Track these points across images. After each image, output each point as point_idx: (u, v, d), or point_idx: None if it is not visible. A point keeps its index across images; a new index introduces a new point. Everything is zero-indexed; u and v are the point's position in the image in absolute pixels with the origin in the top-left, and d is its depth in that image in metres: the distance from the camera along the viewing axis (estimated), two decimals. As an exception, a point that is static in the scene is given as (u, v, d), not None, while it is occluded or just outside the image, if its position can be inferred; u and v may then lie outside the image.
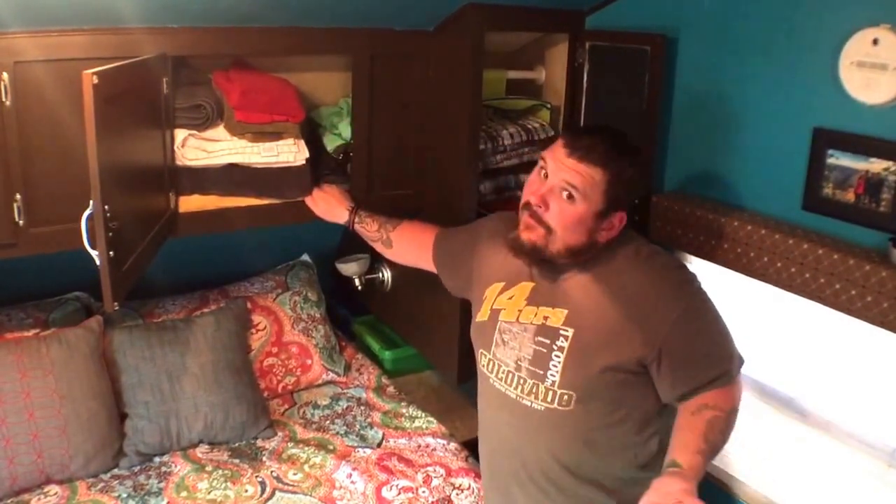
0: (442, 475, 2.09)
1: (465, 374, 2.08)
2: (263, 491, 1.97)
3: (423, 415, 2.37)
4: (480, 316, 1.64)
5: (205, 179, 1.92)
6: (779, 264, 1.78)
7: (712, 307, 1.51)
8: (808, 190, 1.78)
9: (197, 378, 2.16)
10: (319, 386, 2.52)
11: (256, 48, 1.92)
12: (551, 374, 1.48)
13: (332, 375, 2.55)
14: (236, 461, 2.09)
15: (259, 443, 2.19)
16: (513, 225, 1.55)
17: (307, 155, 1.97)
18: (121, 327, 2.22)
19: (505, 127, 2.25)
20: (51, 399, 1.96)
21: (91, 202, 1.36)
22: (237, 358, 2.29)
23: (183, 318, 2.33)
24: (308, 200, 2.03)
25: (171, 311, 2.42)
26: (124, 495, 1.92)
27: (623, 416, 1.50)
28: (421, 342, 2.54)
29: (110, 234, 1.39)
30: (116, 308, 1.45)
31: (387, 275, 2.46)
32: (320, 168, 2.08)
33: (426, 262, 1.89)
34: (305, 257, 2.80)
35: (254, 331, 2.47)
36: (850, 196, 1.70)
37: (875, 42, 1.58)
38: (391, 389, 2.53)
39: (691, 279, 1.52)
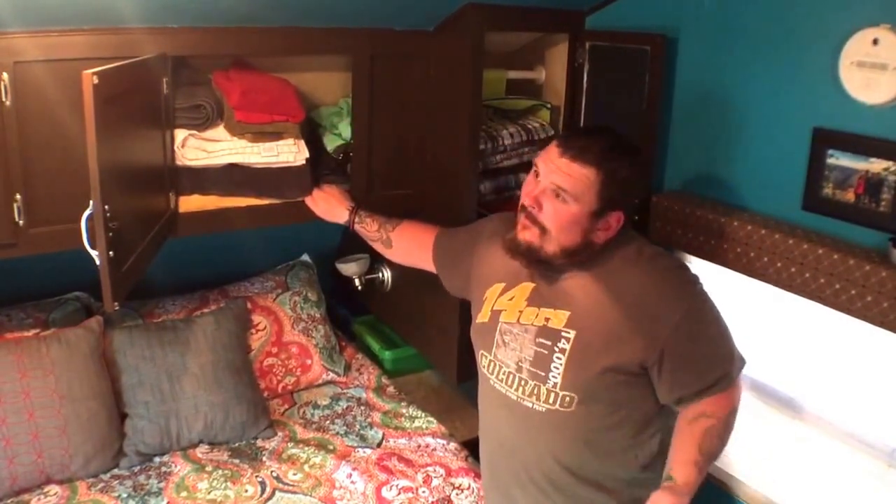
0: (442, 475, 2.09)
1: (465, 373, 2.08)
2: (263, 491, 1.97)
3: (423, 415, 2.37)
4: (481, 317, 1.64)
5: (205, 179, 1.92)
6: (779, 264, 1.78)
7: (714, 309, 1.51)
8: (808, 190, 1.78)
9: (197, 378, 2.16)
10: (319, 386, 2.52)
11: (256, 48, 1.92)
12: (553, 376, 1.48)
13: (332, 375, 2.55)
14: (236, 461, 2.09)
15: (259, 443, 2.19)
16: (512, 226, 1.55)
17: (307, 155, 1.97)
18: (121, 327, 2.22)
19: (505, 127, 2.25)
20: (51, 399, 1.96)
21: (91, 202, 1.36)
22: (237, 358, 2.29)
23: (183, 318, 2.33)
24: (308, 200, 2.03)
25: (171, 311, 2.42)
26: (124, 495, 1.92)
27: (624, 417, 1.50)
28: (421, 342, 2.54)
29: (110, 234, 1.39)
30: (116, 308, 1.45)
31: (387, 275, 2.46)
32: (320, 168, 2.08)
33: (426, 263, 1.89)
34: (305, 257, 2.80)
35: (254, 331, 2.47)
36: (850, 196, 1.70)
37: (875, 42, 1.58)
38: (391, 389, 2.53)
39: (694, 281, 1.51)
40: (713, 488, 2.11)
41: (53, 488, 1.94)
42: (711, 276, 2.07)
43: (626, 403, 1.49)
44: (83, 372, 2.03)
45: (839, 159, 1.70)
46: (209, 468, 2.05)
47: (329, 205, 2.03)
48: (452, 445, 2.22)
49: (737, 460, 2.17)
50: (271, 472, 2.05)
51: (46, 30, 1.60)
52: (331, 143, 2.11)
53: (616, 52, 2.15)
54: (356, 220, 1.99)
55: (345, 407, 2.41)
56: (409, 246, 1.93)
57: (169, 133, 1.84)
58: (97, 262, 1.40)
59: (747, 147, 1.93)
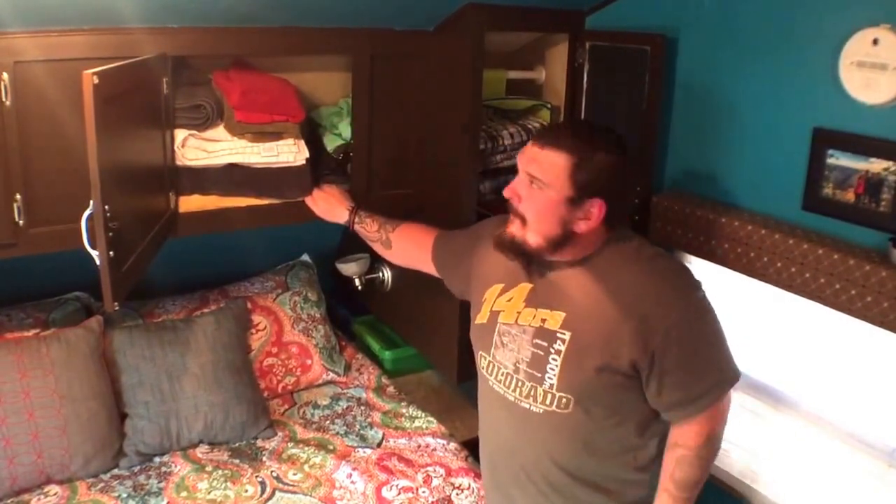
0: (442, 475, 2.09)
1: (465, 373, 2.08)
2: (263, 491, 1.97)
3: (423, 415, 2.37)
4: (480, 318, 1.63)
5: (205, 179, 1.92)
6: (779, 264, 1.78)
7: (712, 318, 1.47)
8: (808, 190, 1.78)
9: (197, 378, 2.16)
10: (319, 386, 2.52)
11: (256, 48, 1.92)
12: (549, 377, 1.47)
13: (332, 375, 2.55)
14: (236, 461, 2.09)
15: (259, 443, 2.19)
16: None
17: (307, 155, 1.97)
18: (121, 327, 2.22)
19: (505, 127, 2.25)
20: (51, 399, 1.96)
21: (91, 202, 1.36)
22: (237, 358, 2.29)
23: (183, 318, 2.33)
24: (308, 200, 2.03)
25: (171, 311, 2.42)
26: (124, 495, 1.92)
27: (622, 419, 1.49)
28: (421, 342, 2.54)
29: (110, 234, 1.39)
30: (116, 308, 1.45)
31: (387, 275, 2.46)
32: (320, 168, 2.08)
33: (425, 264, 1.89)
34: (305, 257, 2.80)
35: (254, 331, 2.47)
36: (850, 196, 1.70)
37: (875, 42, 1.58)
38: (391, 389, 2.53)
39: (695, 286, 1.48)
40: (714, 488, 2.11)
41: (53, 488, 1.94)
42: (711, 276, 2.07)
43: (623, 405, 1.48)
44: (83, 372, 2.03)
45: (839, 159, 1.70)
46: (209, 468, 2.05)
47: (329, 205, 2.03)
48: (452, 445, 2.22)
49: (737, 460, 2.17)
50: (271, 472, 2.05)
51: (46, 30, 1.60)
52: (331, 143, 2.11)
53: (616, 52, 2.15)
54: (356, 220, 1.99)
55: (345, 407, 2.41)
56: (409, 247, 1.93)
57: (169, 133, 1.84)
58: (97, 262, 1.40)
59: (747, 147, 1.93)
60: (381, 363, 2.73)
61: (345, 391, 2.50)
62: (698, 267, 2.11)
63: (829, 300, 1.70)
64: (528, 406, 1.51)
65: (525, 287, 1.56)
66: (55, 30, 1.61)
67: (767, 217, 1.87)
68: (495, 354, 1.58)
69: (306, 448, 2.16)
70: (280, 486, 2.00)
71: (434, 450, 2.20)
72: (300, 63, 2.09)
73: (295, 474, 2.05)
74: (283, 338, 2.51)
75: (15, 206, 1.66)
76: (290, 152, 1.95)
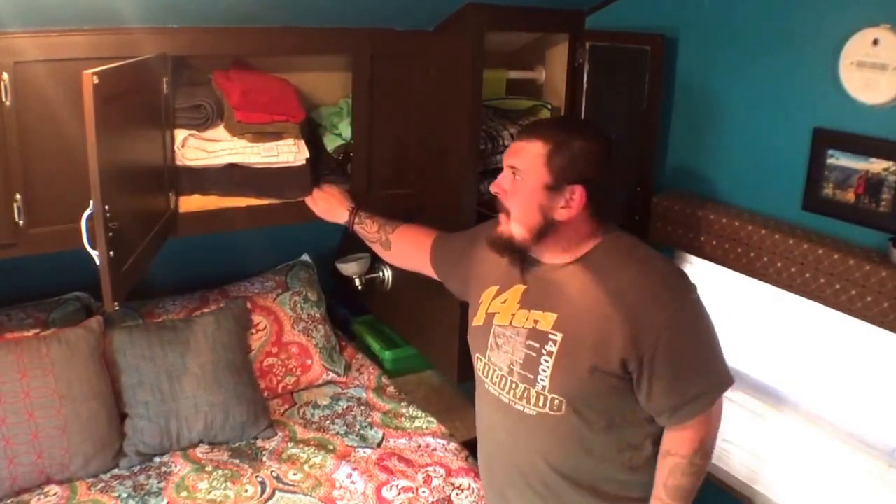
0: (442, 475, 2.09)
1: (465, 373, 2.08)
2: (263, 491, 1.97)
3: (424, 415, 2.37)
4: (476, 320, 1.63)
5: (205, 179, 1.92)
6: (779, 264, 1.78)
7: (705, 323, 1.46)
8: (808, 190, 1.78)
9: (197, 378, 2.16)
10: (319, 386, 2.52)
11: (256, 48, 1.92)
12: (541, 379, 1.47)
13: (332, 375, 2.55)
14: (236, 461, 2.09)
15: (259, 443, 2.19)
16: None
17: (307, 155, 1.97)
18: (121, 327, 2.22)
19: (505, 127, 2.25)
20: (51, 399, 1.96)
21: (91, 202, 1.36)
22: (237, 358, 2.29)
23: (183, 318, 2.33)
24: (308, 200, 2.03)
25: (171, 311, 2.42)
26: (124, 495, 1.92)
27: (615, 421, 1.48)
28: (421, 342, 2.54)
29: (110, 234, 1.39)
30: (116, 308, 1.45)
31: (387, 275, 2.46)
32: (320, 168, 2.08)
33: (423, 266, 1.89)
34: (305, 257, 2.80)
35: (254, 331, 2.47)
36: (850, 196, 1.70)
37: (875, 42, 1.58)
38: (391, 389, 2.53)
39: (690, 289, 1.47)
40: (713, 488, 2.11)
41: (53, 488, 1.94)
42: (711, 276, 2.07)
43: (616, 408, 1.47)
44: (83, 372, 2.03)
45: (839, 159, 1.70)
46: (209, 468, 2.05)
47: (329, 205, 2.03)
48: (453, 445, 2.22)
49: (737, 460, 2.17)
50: (271, 472, 2.05)
51: (46, 30, 1.60)
52: (331, 143, 2.11)
53: (616, 52, 2.15)
54: (356, 220, 1.99)
55: (345, 407, 2.41)
56: (408, 248, 1.93)
57: (169, 133, 1.84)
58: (97, 262, 1.40)
59: (747, 147, 1.93)
60: (381, 363, 2.73)
61: (345, 391, 2.50)
62: (699, 267, 2.11)
63: (829, 300, 1.70)
64: (521, 408, 1.51)
65: (519, 289, 1.56)
66: (55, 30, 1.61)
67: (767, 217, 1.87)
68: (490, 356, 1.58)
69: (306, 448, 2.16)
70: (280, 486, 2.00)
71: (434, 450, 2.20)
72: (300, 63, 2.09)
73: (295, 474, 2.05)
74: (283, 338, 2.51)
75: (15, 206, 1.66)
76: (290, 152, 1.95)
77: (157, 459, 2.09)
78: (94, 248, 1.40)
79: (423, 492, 2.02)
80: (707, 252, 1.95)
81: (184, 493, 1.95)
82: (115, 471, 2.03)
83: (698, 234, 1.95)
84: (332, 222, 2.04)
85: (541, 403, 1.48)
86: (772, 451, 2.08)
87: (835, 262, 1.66)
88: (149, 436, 2.08)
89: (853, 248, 1.68)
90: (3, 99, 1.58)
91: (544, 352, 1.47)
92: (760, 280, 1.84)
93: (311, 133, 2.10)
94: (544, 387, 1.47)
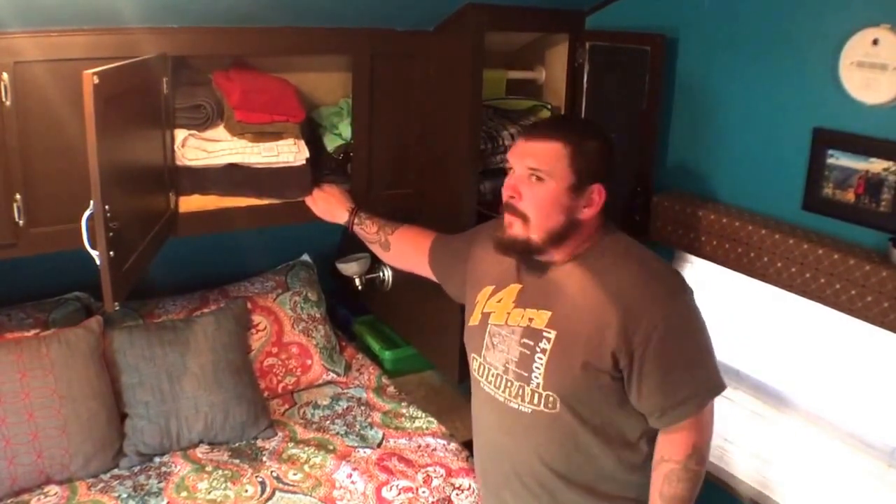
0: (442, 475, 2.09)
1: (466, 373, 2.07)
2: (263, 491, 1.97)
3: (424, 415, 2.37)
4: (472, 320, 1.63)
5: (205, 179, 1.92)
6: (779, 264, 1.78)
7: (699, 325, 1.46)
8: (808, 190, 1.78)
9: (197, 378, 2.16)
10: (319, 386, 2.52)
11: (256, 48, 1.92)
12: (535, 376, 1.47)
13: (332, 375, 2.55)
14: (236, 461, 2.09)
15: (259, 443, 2.19)
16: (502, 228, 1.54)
17: (307, 155, 1.97)
18: (121, 327, 2.22)
19: (505, 127, 2.25)
20: (51, 399, 1.96)
21: (91, 202, 1.36)
22: (237, 358, 2.29)
23: (183, 318, 2.33)
24: (308, 200, 2.03)
25: (171, 311, 2.42)
26: (124, 495, 1.92)
27: (608, 419, 1.48)
28: (421, 342, 2.54)
29: (110, 234, 1.39)
30: (116, 308, 1.45)
31: (387, 275, 2.46)
32: (320, 168, 2.08)
33: (422, 268, 1.89)
34: (305, 257, 2.80)
35: (254, 331, 2.47)
36: (850, 196, 1.70)
37: (875, 42, 1.58)
38: (391, 389, 2.53)
39: (685, 290, 1.47)
40: (713, 488, 2.11)
41: (53, 488, 1.94)
42: (711, 276, 2.08)
43: (609, 405, 1.47)
44: (83, 372, 2.03)
45: (839, 159, 1.70)
46: (209, 468, 2.05)
47: (329, 205, 2.03)
48: (453, 446, 2.22)
49: (737, 460, 2.17)
50: (271, 472, 2.05)
51: (46, 30, 1.60)
52: (331, 143, 2.11)
53: (616, 52, 2.15)
54: (356, 221, 1.99)
55: (345, 407, 2.41)
56: (407, 250, 1.93)
57: (169, 133, 1.84)
58: (97, 262, 1.40)
59: (747, 147, 1.93)
60: (382, 363, 2.73)
61: (345, 391, 2.50)
62: (699, 267, 2.12)
63: (829, 300, 1.70)
64: (516, 406, 1.51)
65: (515, 288, 1.56)
66: (55, 30, 1.61)
67: (767, 217, 1.87)
68: (486, 356, 1.58)
69: (306, 448, 2.16)
70: (280, 486, 2.00)
71: (434, 450, 2.20)
72: (300, 63, 2.09)
73: (295, 474, 2.05)
74: (283, 338, 2.51)
75: (15, 206, 1.66)
76: (290, 152, 1.95)
77: (157, 459, 2.08)
78: (94, 248, 1.40)
79: (423, 492, 2.02)
80: (707, 252, 1.95)
81: (184, 494, 1.95)
82: (115, 471, 2.03)
83: (698, 234, 1.95)
84: (332, 222, 2.04)
85: (535, 401, 1.48)
86: (772, 451, 2.08)
87: (835, 262, 1.66)
88: (149, 436, 2.08)
89: (853, 248, 1.68)
90: (3, 99, 1.58)
91: (538, 349, 1.47)
92: (760, 280, 1.84)
93: (311, 133, 2.10)
94: (538, 384, 1.47)
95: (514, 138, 2.23)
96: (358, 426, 2.30)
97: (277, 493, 1.96)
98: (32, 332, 2.15)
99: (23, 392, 1.93)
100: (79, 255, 1.43)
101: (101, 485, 1.97)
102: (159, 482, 1.99)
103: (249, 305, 2.49)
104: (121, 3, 1.59)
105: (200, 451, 2.13)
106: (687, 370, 1.44)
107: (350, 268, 2.42)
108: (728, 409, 2.12)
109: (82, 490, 1.94)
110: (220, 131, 1.91)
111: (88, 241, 1.41)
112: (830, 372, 1.91)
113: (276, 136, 1.93)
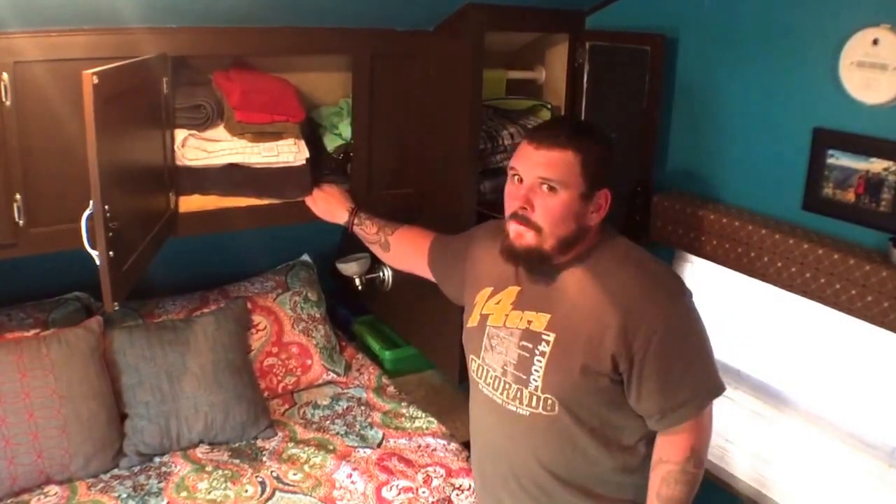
0: (442, 475, 2.09)
1: (466, 373, 2.08)
2: (263, 491, 1.97)
3: (424, 415, 2.37)
4: (471, 321, 1.63)
5: (205, 179, 1.92)
6: (779, 264, 1.78)
7: (698, 328, 1.46)
8: (808, 190, 1.78)
9: (197, 378, 2.16)
10: (319, 386, 2.52)
11: (256, 48, 1.92)
12: (534, 379, 1.47)
13: (332, 375, 2.55)
14: (236, 461, 2.09)
15: (259, 443, 2.19)
16: (501, 232, 1.53)
17: (307, 155, 1.97)
18: (121, 327, 2.22)
19: (505, 127, 2.25)
20: (51, 399, 1.96)
21: (91, 202, 1.36)
22: (237, 358, 2.29)
23: (183, 318, 2.33)
24: (308, 200, 2.03)
25: (171, 311, 2.42)
26: (124, 495, 1.92)
27: (608, 422, 1.48)
28: (422, 342, 2.54)
29: (110, 234, 1.39)
30: (116, 308, 1.45)
31: (387, 275, 2.46)
32: (320, 168, 2.08)
33: (421, 269, 1.89)
34: (305, 257, 2.80)
35: (254, 331, 2.47)
36: (850, 196, 1.70)
37: (875, 42, 1.58)
38: (391, 389, 2.53)
39: (684, 293, 1.47)
40: (713, 488, 2.11)
41: (53, 488, 1.94)
42: (711, 276, 2.08)
43: (608, 408, 1.47)
44: (83, 372, 2.03)
45: (839, 159, 1.70)
46: (209, 468, 2.05)
47: (329, 205, 2.02)
48: (453, 446, 2.22)
49: (737, 460, 2.17)
50: (271, 472, 2.05)
51: (46, 30, 1.60)
52: (331, 143, 2.11)
53: (616, 52, 2.15)
54: (355, 221, 1.99)
55: (345, 407, 2.41)
56: (406, 250, 1.93)
57: (169, 133, 1.84)
58: (97, 262, 1.40)
59: (747, 147, 1.93)
60: (382, 363, 2.73)
61: (345, 391, 2.50)
62: (699, 267, 2.12)
63: (829, 300, 1.70)
64: (514, 409, 1.51)
65: (513, 290, 1.56)
66: (55, 30, 1.61)
67: (767, 217, 1.87)
68: (485, 357, 1.58)
69: (306, 448, 2.16)
70: (280, 486, 2.00)
71: (434, 450, 2.20)
72: (300, 63, 2.09)
73: (295, 474, 2.05)
74: (283, 338, 2.51)
75: (15, 206, 1.66)
76: (290, 152, 1.95)
77: (157, 459, 2.08)
78: (94, 248, 1.40)
79: (423, 492, 2.02)
80: (707, 252, 1.95)
81: (184, 494, 1.95)
82: (115, 471, 2.03)
83: (698, 234, 1.95)
84: (332, 222, 2.04)
85: (534, 404, 1.48)
86: (772, 451, 2.08)
87: (835, 262, 1.66)
88: (149, 436, 2.08)
89: (853, 247, 1.68)
90: (3, 99, 1.58)
91: (537, 352, 1.47)
92: (760, 280, 1.84)
93: (311, 133, 2.10)
94: (537, 387, 1.47)
95: (513, 138, 2.23)
96: (358, 426, 2.30)
97: (277, 493, 1.96)
98: (32, 332, 2.15)
99: (23, 392, 1.93)
100: (79, 255, 1.43)
101: (101, 485, 1.97)
102: (159, 482, 1.99)
103: (249, 305, 2.49)
104: (121, 3, 1.59)
105: (200, 451, 2.13)
106: (687, 372, 1.44)
107: (350, 268, 2.42)
108: (728, 409, 2.12)
109: (82, 490, 1.94)
110: (220, 131, 1.91)
111: (88, 241, 1.41)
112: (830, 372, 1.91)
113: (276, 136, 1.93)
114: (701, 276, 2.12)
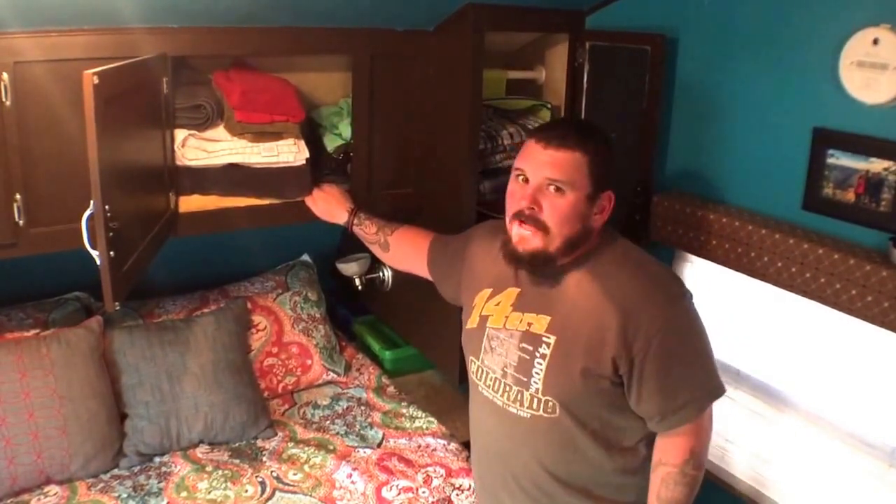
0: (442, 475, 2.09)
1: (467, 374, 2.08)
2: (263, 491, 1.97)
3: (424, 415, 2.37)
4: (470, 323, 1.62)
5: (205, 179, 1.92)
6: (779, 264, 1.78)
7: (698, 329, 1.46)
8: (808, 190, 1.78)
9: (197, 378, 2.16)
10: (319, 386, 2.52)
11: (256, 48, 1.92)
12: (535, 381, 1.47)
13: (332, 375, 2.55)
14: (236, 461, 2.09)
15: (259, 443, 2.19)
16: (500, 232, 1.53)
17: (307, 155, 1.97)
18: (121, 327, 2.22)
19: (505, 127, 2.25)
20: (51, 399, 1.96)
21: (91, 202, 1.36)
22: (237, 358, 2.29)
23: (183, 318, 2.33)
24: (308, 200, 2.03)
25: (171, 311, 2.42)
26: (124, 495, 1.92)
27: (608, 423, 1.48)
28: (422, 342, 2.54)
29: (110, 234, 1.39)
30: (116, 308, 1.45)
31: (387, 275, 2.46)
32: (320, 168, 2.08)
33: (420, 269, 1.88)
34: (305, 257, 2.80)
35: (254, 331, 2.47)
36: (850, 196, 1.70)
37: (875, 42, 1.58)
38: (391, 389, 2.53)
39: (684, 295, 1.47)
40: (713, 488, 2.11)
41: (53, 488, 1.94)
42: (711, 276, 2.08)
43: (609, 409, 1.47)
44: (83, 372, 2.03)
45: (839, 159, 1.70)
46: (209, 468, 2.05)
47: (329, 205, 2.02)
48: (453, 446, 2.22)
49: (737, 460, 2.17)
50: (271, 472, 2.05)
51: (46, 30, 1.60)
52: (331, 143, 2.11)
53: (616, 52, 2.15)
54: (355, 221, 1.99)
55: (345, 407, 2.41)
56: (406, 251, 1.93)
57: (169, 133, 1.84)
58: (97, 262, 1.40)
59: (747, 147, 1.93)
60: (382, 363, 2.73)
61: (345, 391, 2.50)
62: (699, 267, 2.12)
63: (829, 300, 1.70)
64: (515, 411, 1.51)
65: (513, 291, 1.55)
66: (55, 30, 1.61)
67: (767, 217, 1.87)
68: (484, 359, 1.57)
69: (306, 448, 2.16)
70: (280, 486, 2.00)
71: (434, 450, 2.20)
72: (300, 63, 2.09)
73: (295, 474, 2.05)
74: (283, 338, 2.51)
75: (15, 206, 1.66)
76: (290, 152, 1.95)
77: (157, 459, 2.09)
78: (94, 248, 1.40)
79: (423, 492, 2.02)
80: (707, 252, 1.95)
81: (184, 494, 1.95)
82: (115, 471, 2.03)
83: (698, 234, 1.95)
84: (332, 222, 2.04)
85: (534, 406, 1.48)
86: (772, 451, 2.08)
87: (835, 262, 1.66)
88: (149, 436, 2.08)
89: (853, 247, 1.68)
90: (3, 99, 1.58)
91: (538, 354, 1.46)
92: (760, 280, 1.84)
93: (311, 133, 2.10)
94: (537, 389, 1.46)
95: (513, 138, 2.23)
96: (358, 426, 2.30)
97: (277, 493, 1.96)
98: (32, 332, 2.15)
99: (23, 392, 1.93)
100: (79, 255, 1.43)
101: (101, 485, 1.97)
102: (159, 482, 1.99)
103: (249, 305, 2.49)
104: (121, 3, 1.59)
105: (200, 451, 2.13)
106: (687, 374, 1.44)
107: (350, 268, 2.42)
108: (728, 409, 2.12)
109: (82, 490, 1.94)
110: (220, 131, 1.91)
111: (88, 241, 1.41)
112: (830, 372, 1.91)
113: (276, 136, 1.93)
114: (701, 276, 2.12)
